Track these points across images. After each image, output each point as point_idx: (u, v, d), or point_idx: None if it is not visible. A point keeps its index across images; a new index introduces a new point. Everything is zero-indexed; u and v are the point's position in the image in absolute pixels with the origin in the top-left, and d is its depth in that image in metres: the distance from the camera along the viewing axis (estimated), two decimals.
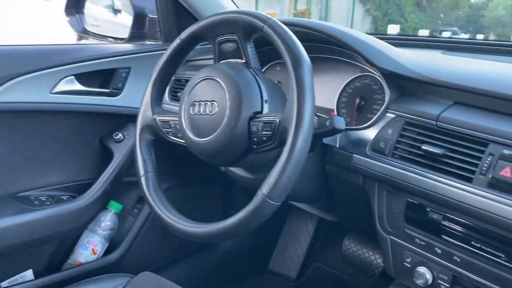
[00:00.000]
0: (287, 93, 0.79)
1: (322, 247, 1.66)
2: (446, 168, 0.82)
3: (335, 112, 1.11)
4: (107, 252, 1.32)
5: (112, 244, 1.33)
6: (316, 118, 0.92)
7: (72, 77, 1.15)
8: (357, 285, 1.53)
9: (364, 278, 1.49)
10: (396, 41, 1.21)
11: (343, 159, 0.97)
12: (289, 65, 0.78)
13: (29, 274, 1.22)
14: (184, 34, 0.95)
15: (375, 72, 1.01)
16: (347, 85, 1.10)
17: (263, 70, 1.24)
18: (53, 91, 1.12)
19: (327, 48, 1.13)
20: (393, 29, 13.24)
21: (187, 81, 1.25)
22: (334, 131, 0.88)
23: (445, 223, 0.83)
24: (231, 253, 1.64)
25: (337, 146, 0.99)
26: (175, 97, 1.31)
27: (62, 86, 1.13)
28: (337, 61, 1.13)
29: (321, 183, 1.08)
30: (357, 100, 1.05)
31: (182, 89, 1.24)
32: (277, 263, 1.70)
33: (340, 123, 0.86)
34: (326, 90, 1.15)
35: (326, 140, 1.01)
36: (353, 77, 1.09)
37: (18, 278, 1.20)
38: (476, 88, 0.84)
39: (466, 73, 0.89)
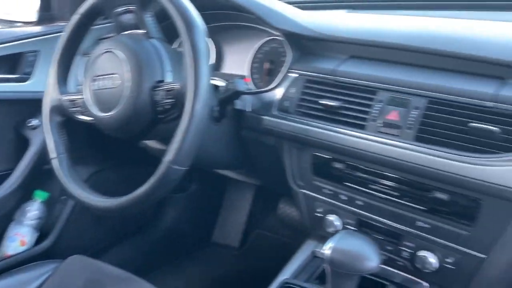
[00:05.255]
0: None
1: (262, 214, 1.70)
2: (343, 119, 0.86)
3: (250, 79, 1.14)
4: (39, 241, 1.29)
5: (43, 233, 1.31)
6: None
7: None
8: (295, 245, 1.59)
9: (301, 238, 1.55)
10: (307, 4, 1.25)
11: (255, 122, 1.00)
12: (182, 30, 0.79)
13: None
14: (82, 9, 0.93)
15: (279, 35, 1.04)
16: (257, 50, 1.12)
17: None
18: None
19: (234, 15, 1.14)
20: None
21: None
22: (237, 93, 0.91)
23: (347, 170, 0.88)
24: (171, 230, 1.65)
25: (249, 110, 1.02)
26: None
27: None
28: (247, 27, 1.14)
29: (240, 149, 1.11)
30: (266, 64, 1.08)
31: None
32: (219, 235, 1.73)
33: (241, 85, 0.89)
34: (238, 58, 1.17)
35: (239, 106, 1.03)
36: (262, 42, 1.11)
37: None
38: (366, 40, 0.89)
39: (359, 28, 0.94)
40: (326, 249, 0.72)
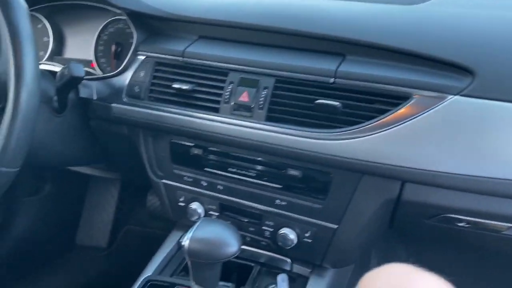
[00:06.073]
0: None
1: (130, 208, 1.60)
2: (197, 102, 0.83)
3: (95, 64, 1.03)
4: None
5: None
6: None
7: None
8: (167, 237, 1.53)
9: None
10: None
11: (103, 111, 0.91)
12: None
13: None
14: None
15: (124, 15, 0.95)
16: (101, 32, 1.02)
17: None
18: None
19: None
20: None
21: None
22: (74, 79, 0.81)
23: (205, 156, 0.85)
24: (26, 239, 1.45)
25: (95, 98, 0.92)
26: None
27: None
28: (88, 7, 1.03)
29: (91, 141, 1.00)
30: (113, 47, 0.99)
31: None
32: (84, 236, 1.58)
33: (78, 70, 0.79)
34: (82, 41, 1.05)
35: (84, 94, 0.92)
36: (105, 22, 1.01)
37: None
38: (215, 19, 0.85)
39: (209, 7, 0.90)
40: (184, 240, 0.69)
